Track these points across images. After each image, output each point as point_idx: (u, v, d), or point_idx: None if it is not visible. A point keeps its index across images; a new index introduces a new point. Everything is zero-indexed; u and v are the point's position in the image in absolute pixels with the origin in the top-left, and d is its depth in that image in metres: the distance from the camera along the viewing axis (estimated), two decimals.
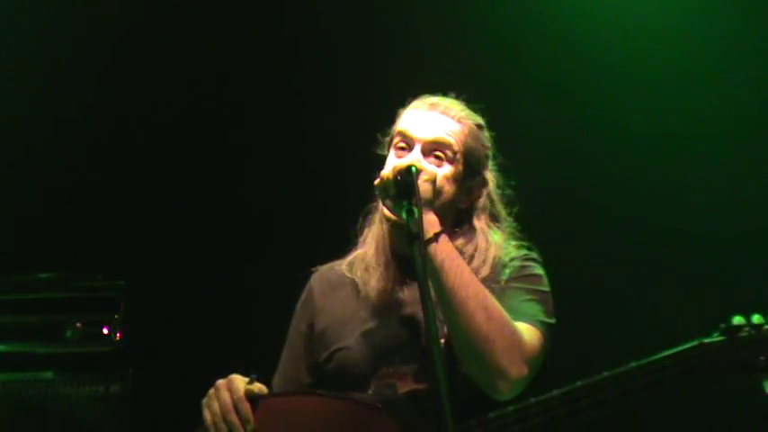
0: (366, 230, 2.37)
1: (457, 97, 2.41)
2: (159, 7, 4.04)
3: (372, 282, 2.24)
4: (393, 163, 2.19)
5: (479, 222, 2.30)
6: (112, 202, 4.00)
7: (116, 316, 3.32)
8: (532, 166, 3.85)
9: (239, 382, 2.04)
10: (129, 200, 4.02)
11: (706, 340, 1.93)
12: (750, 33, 3.76)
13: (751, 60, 3.75)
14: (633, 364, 1.93)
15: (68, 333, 3.30)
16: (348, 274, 2.32)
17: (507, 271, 2.23)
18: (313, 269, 2.44)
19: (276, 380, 2.37)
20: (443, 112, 2.32)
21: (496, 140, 2.46)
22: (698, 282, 3.58)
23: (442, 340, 2.06)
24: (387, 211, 2.18)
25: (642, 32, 3.86)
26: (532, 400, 1.94)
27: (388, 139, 2.37)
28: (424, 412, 2.00)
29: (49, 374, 3.28)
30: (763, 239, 3.57)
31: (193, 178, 4.02)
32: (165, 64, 4.04)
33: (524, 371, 2.01)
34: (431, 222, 2.02)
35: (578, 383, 1.93)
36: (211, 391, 2.06)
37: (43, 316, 3.34)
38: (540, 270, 2.30)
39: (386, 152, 2.34)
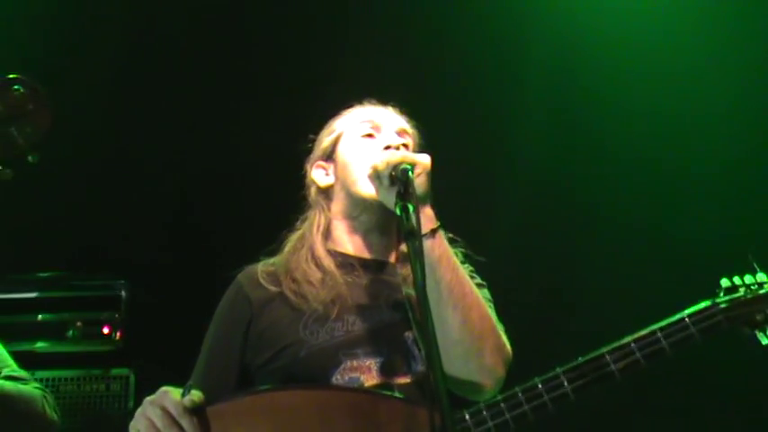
0: (302, 225, 2.29)
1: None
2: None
3: (319, 279, 2.12)
4: (369, 149, 2.18)
5: None
6: (113, 203, 4.00)
7: (116, 315, 3.33)
8: (527, 169, 3.92)
9: (173, 394, 1.81)
10: (130, 200, 4.03)
11: (717, 300, 2.04)
12: (749, 46, 3.79)
13: (747, 69, 3.78)
14: (655, 326, 1.98)
15: (69, 332, 3.32)
16: (286, 272, 2.17)
17: None
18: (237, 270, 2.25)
19: (196, 382, 2.11)
20: (394, 112, 2.34)
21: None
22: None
23: (408, 333, 2.06)
24: (366, 192, 2.11)
25: (638, 36, 3.89)
26: (517, 388, 1.91)
27: (329, 140, 2.30)
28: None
29: (49, 373, 3.30)
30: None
31: (194, 178, 4.03)
32: (165, 67, 4.05)
33: (504, 372, 2.01)
34: (428, 217, 1.99)
35: (604, 349, 1.94)
36: (139, 410, 1.83)
37: (43, 315, 3.35)
38: (482, 281, 2.24)
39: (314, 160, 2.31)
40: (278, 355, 2.06)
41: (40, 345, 3.33)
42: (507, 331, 2.11)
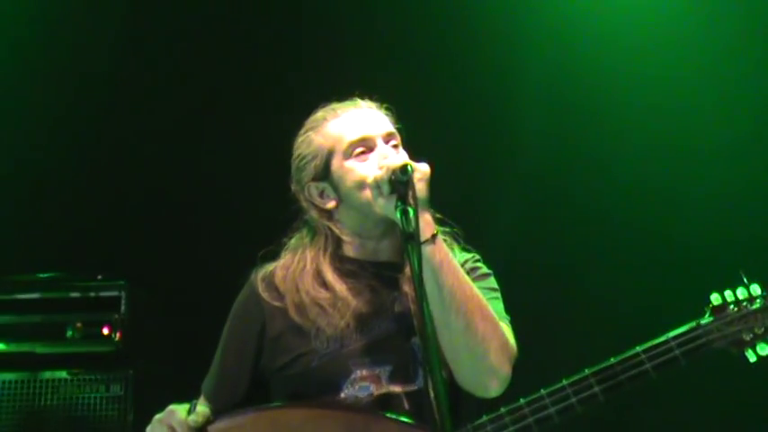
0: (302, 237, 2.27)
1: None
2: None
3: (327, 287, 2.13)
4: (369, 170, 2.11)
5: None
6: (113, 203, 4.00)
7: (116, 316, 3.32)
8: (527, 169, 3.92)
9: (180, 413, 1.93)
10: (130, 200, 4.03)
11: (702, 321, 2.01)
12: (754, 49, 3.79)
13: (747, 70, 3.78)
14: (638, 348, 1.98)
15: (69, 333, 3.31)
16: (293, 288, 2.17)
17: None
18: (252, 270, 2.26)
19: (210, 383, 2.21)
20: (372, 108, 2.26)
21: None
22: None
23: (415, 339, 2.07)
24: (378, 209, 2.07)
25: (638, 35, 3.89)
26: (522, 400, 1.95)
27: (319, 159, 2.20)
28: (404, 413, 2.00)
29: (49, 374, 3.30)
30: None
31: (194, 178, 4.02)
32: (164, 66, 4.05)
33: (510, 370, 2.03)
34: (427, 223, 1.99)
35: (587, 371, 1.96)
36: (148, 428, 1.96)
37: (43, 316, 3.35)
38: (488, 269, 2.25)
39: (304, 178, 2.22)
40: (292, 363, 2.10)
41: (39, 345, 3.33)
42: (511, 323, 2.12)
